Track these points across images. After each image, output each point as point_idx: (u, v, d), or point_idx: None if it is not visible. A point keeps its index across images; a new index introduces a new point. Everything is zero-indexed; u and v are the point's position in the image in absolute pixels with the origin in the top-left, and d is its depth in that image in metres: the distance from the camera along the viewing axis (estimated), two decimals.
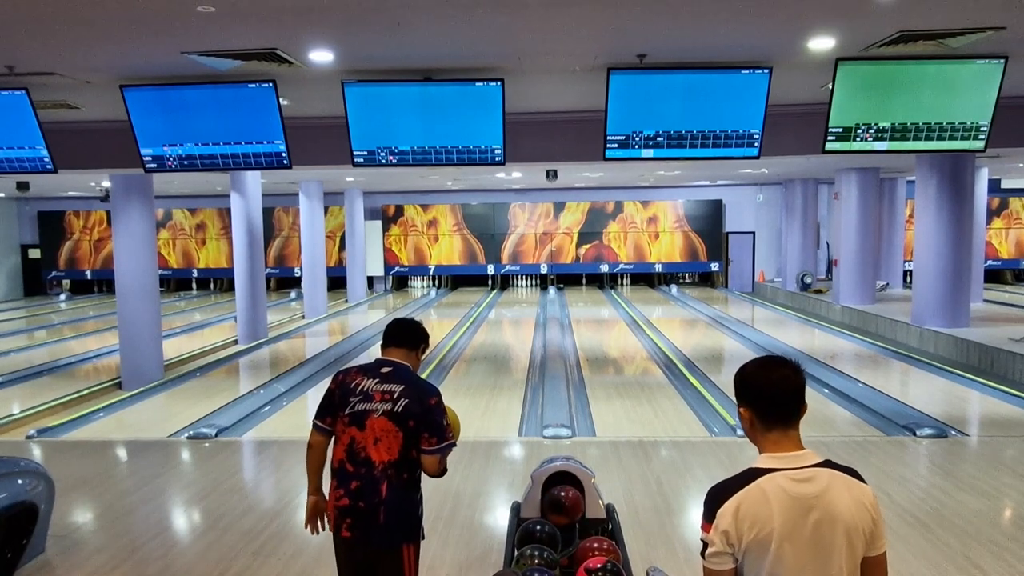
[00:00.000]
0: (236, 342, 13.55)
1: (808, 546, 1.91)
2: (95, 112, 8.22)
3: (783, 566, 1.92)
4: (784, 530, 1.91)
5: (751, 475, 1.97)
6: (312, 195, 17.71)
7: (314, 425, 3.03)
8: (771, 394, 2.01)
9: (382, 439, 2.84)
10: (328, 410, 2.98)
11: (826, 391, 8.93)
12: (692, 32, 5.76)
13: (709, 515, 1.95)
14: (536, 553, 3.06)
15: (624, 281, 23.72)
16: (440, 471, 2.91)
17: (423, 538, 2.99)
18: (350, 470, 2.88)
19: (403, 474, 2.85)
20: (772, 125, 6.87)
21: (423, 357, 3.11)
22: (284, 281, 23.70)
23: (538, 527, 3.23)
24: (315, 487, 3.08)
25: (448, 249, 23.05)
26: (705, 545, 1.95)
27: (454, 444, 2.92)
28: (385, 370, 2.94)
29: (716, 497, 1.96)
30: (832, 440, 6.64)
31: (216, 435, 7.26)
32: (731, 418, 7.57)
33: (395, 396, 2.86)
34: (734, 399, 2.11)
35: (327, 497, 3.00)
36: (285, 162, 7.20)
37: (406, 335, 3.04)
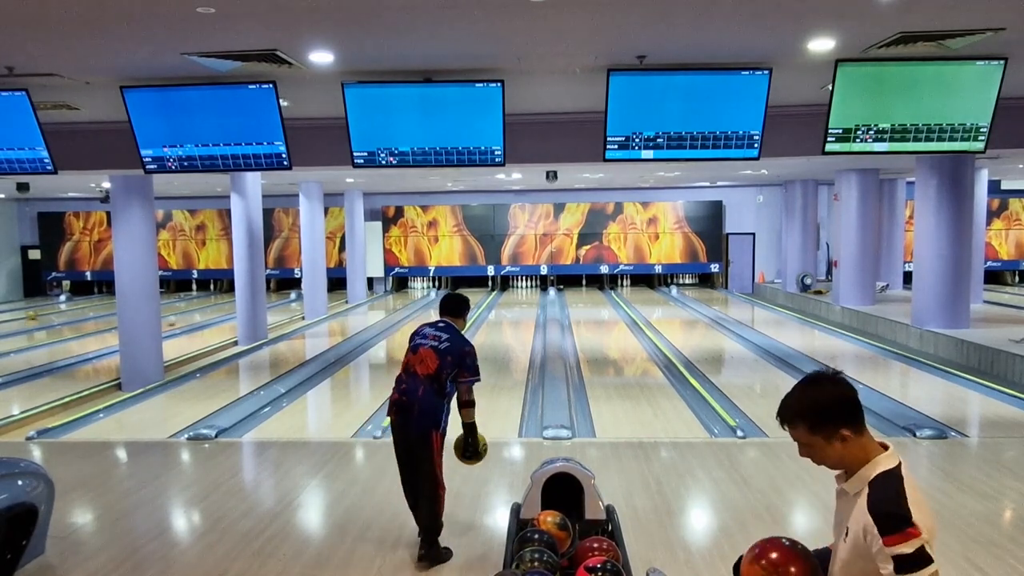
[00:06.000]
0: (236, 343, 13.56)
1: None
2: (95, 113, 8.22)
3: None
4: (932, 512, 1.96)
5: (897, 477, 1.97)
6: (312, 196, 17.72)
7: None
8: (857, 400, 2.04)
9: (425, 360, 4.34)
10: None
11: None
12: (692, 33, 5.76)
13: (907, 523, 1.87)
14: (536, 555, 3.06)
15: (624, 282, 23.72)
16: (469, 399, 4.41)
17: (445, 433, 4.35)
18: (403, 378, 4.39)
19: (434, 384, 4.30)
20: (772, 126, 6.87)
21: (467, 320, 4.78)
22: (284, 282, 23.70)
23: (536, 535, 3.23)
24: None
25: (448, 250, 23.06)
26: (923, 550, 1.86)
27: (479, 379, 4.43)
28: (441, 324, 4.53)
29: (901, 506, 1.91)
30: None
31: (216, 436, 7.25)
32: (731, 419, 7.57)
33: (441, 340, 4.40)
34: (795, 426, 2.08)
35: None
36: (285, 163, 7.20)
37: (452, 307, 4.62)
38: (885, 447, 2.05)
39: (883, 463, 2.01)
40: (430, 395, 4.26)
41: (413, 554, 4.41)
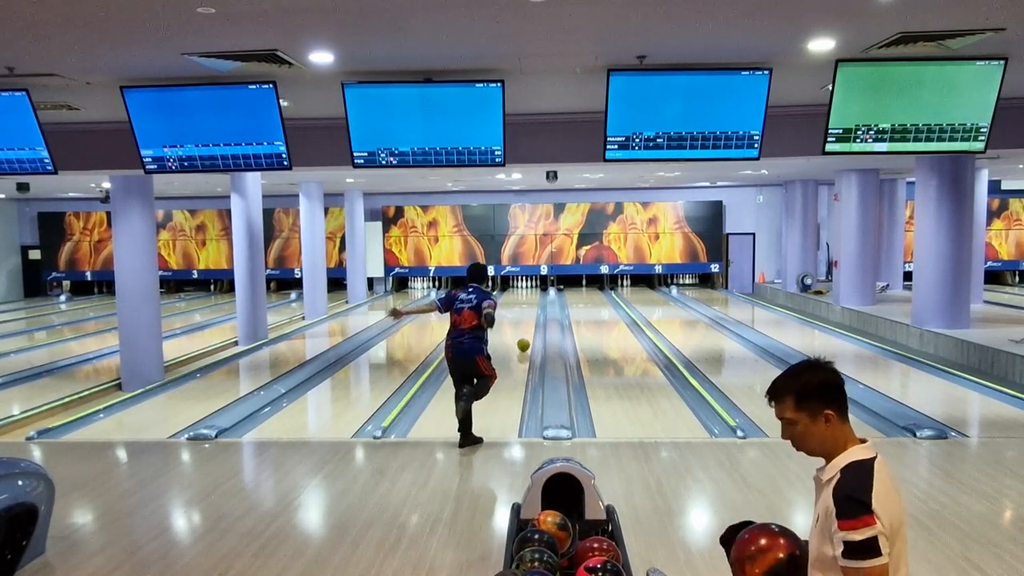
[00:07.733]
0: (236, 343, 13.55)
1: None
2: (95, 113, 8.22)
3: (903, 544, 1.98)
4: (903, 510, 2.00)
5: (867, 467, 2.02)
6: (312, 196, 17.71)
7: (437, 307, 6.76)
8: (843, 388, 2.11)
9: (467, 319, 6.46)
10: (446, 304, 6.62)
11: None
12: (692, 33, 5.76)
13: (864, 510, 1.92)
14: (536, 556, 3.06)
15: (624, 282, 23.72)
16: (492, 320, 6.46)
17: (490, 358, 6.57)
18: (453, 332, 6.52)
19: (475, 332, 6.47)
20: (772, 126, 6.87)
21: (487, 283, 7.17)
22: (284, 282, 23.70)
23: (536, 535, 3.23)
24: (405, 311, 7.32)
25: (448, 250, 23.06)
26: (875, 541, 1.89)
27: (495, 301, 6.63)
28: (470, 288, 6.60)
29: (862, 493, 1.95)
30: None
31: (216, 436, 7.25)
32: (731, 419, 7.57)
33: (474, 300, 6.48)
34: (776, 404, 2.17)
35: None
36: (285, 163, 7.20)
37: (476, 274, 6.70)
38: (863, 441, 2.11)
39: (858, 453, 2.06)
40: (473, 340, 6.46)
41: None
